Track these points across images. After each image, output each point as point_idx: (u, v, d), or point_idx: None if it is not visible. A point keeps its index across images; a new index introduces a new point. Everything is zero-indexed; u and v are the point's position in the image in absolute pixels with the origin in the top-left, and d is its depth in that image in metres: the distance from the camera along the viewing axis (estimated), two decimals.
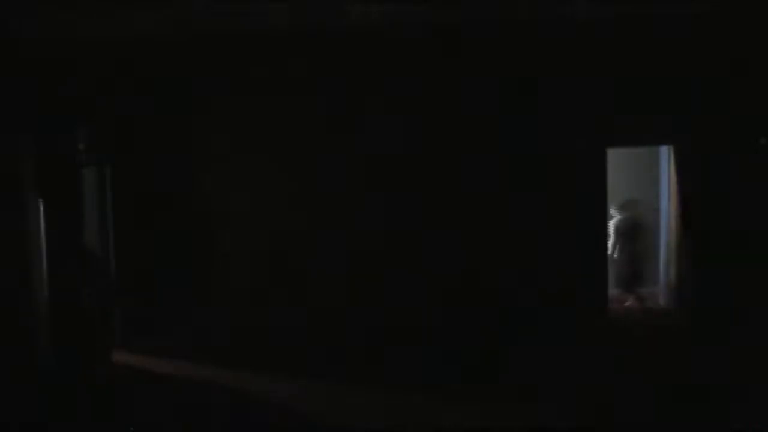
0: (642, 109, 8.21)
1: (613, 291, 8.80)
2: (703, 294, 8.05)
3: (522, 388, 6.80)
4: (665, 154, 9.05)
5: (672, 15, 7.62)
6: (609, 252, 8.94)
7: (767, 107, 7.79)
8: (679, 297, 8.70)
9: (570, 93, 8.17)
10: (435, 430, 5.99)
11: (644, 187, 9.79)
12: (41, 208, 7.64)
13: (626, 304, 9.34)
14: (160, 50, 8.22)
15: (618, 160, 9.66)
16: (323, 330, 8.31)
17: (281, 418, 6.33)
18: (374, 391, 6.90)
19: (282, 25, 7.61)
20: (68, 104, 8.12)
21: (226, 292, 8.47)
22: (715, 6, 7.20)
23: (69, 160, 8.16)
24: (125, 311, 8.50)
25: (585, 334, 8.10)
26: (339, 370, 7.50)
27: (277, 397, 6.81)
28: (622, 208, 9.35)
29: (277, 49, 8.21)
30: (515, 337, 8.09)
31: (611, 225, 9.23)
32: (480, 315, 8.27)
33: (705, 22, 7.74)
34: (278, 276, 8.42)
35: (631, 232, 9.26)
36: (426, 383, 7.03)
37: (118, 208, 8.52)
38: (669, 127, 8.29)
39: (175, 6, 6.70)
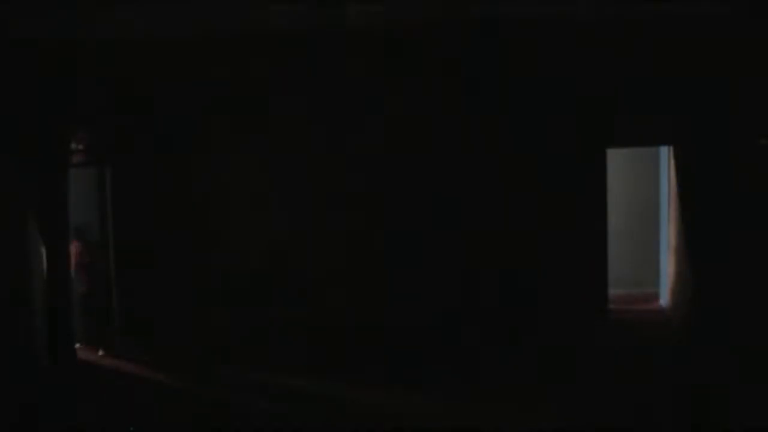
0: (642, 109, 8.21)
1: (613, 291, 8.79)
2: (703, 294, 8.04)
3: (521, 388, 6.80)
4: (665, 154, 9.04)
5: (672, 15, 7.62)
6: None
7: (767, 107, 7.78)
8: (679, 297, 8.70)
9: (570, 93, 8.16)
10: (435, 429, 6.00)
11: (644, 187, 9.79)
12: (39, 209, 7.65)
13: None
14: (161, 51, 8.22)
15: (618, 160, 9.66)
16: (324, 329, 8.31)
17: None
18: (374, 391, 6.91)
19: (282, 25, 7.61)
20: (68, 104, 8.12)
21: (226, 292, 8.46)
22: (716, 7, 7.19)
23: (68, 161, 8.18)
24: (124, 311, 8.50)
25: (585, 334, 8.09)
26: (338, 369, 7.50)
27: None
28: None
29: (276, 49, 8.21)
30: (515, 338, 8.09)
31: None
32: (480, 315, 8.27)
33: (705, 23, 7.73)
34: (278, 276, 8.41)
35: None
36: (426, 384, 7.03)
37: (118, 208, 8.52)
38: (669, 127, 8.29)
39: (176, 6, 6.70)
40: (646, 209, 9.77)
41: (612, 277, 8.64)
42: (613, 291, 8.71)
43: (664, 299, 9.25)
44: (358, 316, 8.30)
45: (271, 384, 7.23)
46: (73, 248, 8.17)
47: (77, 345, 8.19)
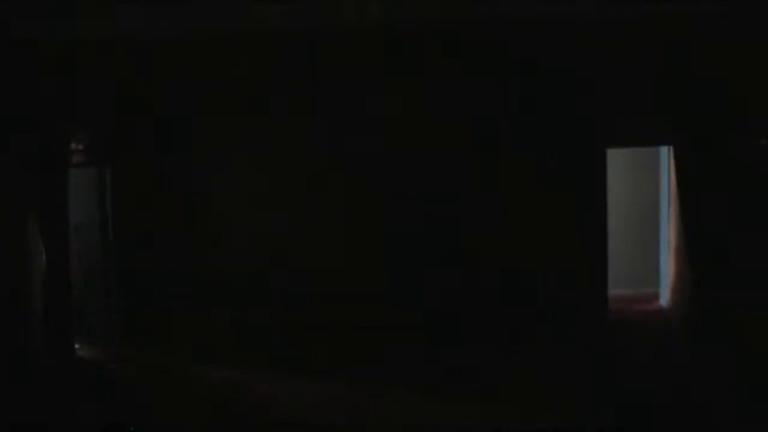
0: (642, 109, 8.21)
1: (613, 291, 8.79)
2: (703, 294, 8.04)
3: (521, 388, 6.80)
4: (665, 154, 9.05)
5: (672, 15, 7.62)
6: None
7: (767, 107, 7.78)
8: (679, 297, 8.70)
9: (570, 93, 8.16)
10: (435, 429, 6.00)
11: (644, 187, 9.79)
12: (39, 209, 7.65)
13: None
14: (160, 51, 8.22)
15: (618, 160, 9.66)
16: (324, 329, 8.31)
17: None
18: (374, 391, 6.91)
19: (282, 25, 7.61)
20: (68, 104, 8.12)
21: (226, 292, 8.47)
22: (716, 6, 7.19)
23: (68, 161, 8.18)
24: (124, 310, 8.50)
25: (585, 334, 8.09)
26: (338, 369, 7.50)
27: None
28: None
29: (277, 49, 8.21)
30: (515, 338, 8.09)
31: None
32: (480, 315, 8.27)
33: (705, 22, 7.74)
34: (278, 276, 8.41)
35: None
36: (426, 384, 7.03)
37: (118, 208, 8.52)
38: (669, 127, 8.29)
39: (176, 6, 6.69)
40: (646, 209, 9.76)
41: (612, 277, 8.64)
42: (613, 291, 8.71)
43: (664, 299, 9.25)
44: (358, 316, 8.30)
45: (270, 384, 7.22)
46: (73, 248, 8.17)
47: (77, 345, 8.19)
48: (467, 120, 8.25)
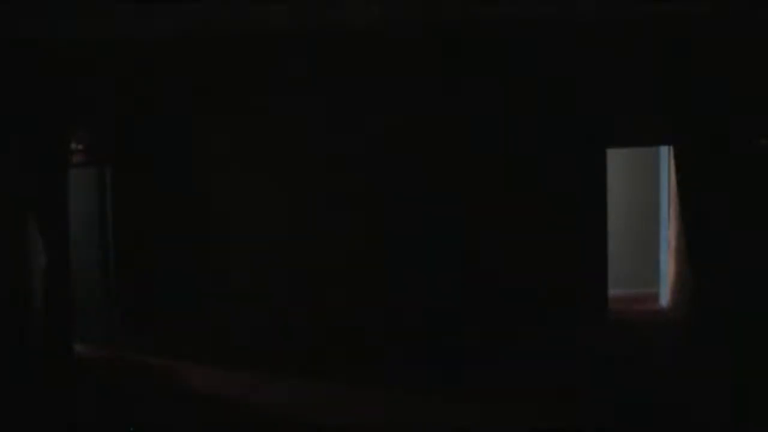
0: (642, 109, 8.21)
1: (613, 291, 8.79)
2: (703, 294, 8.04)
3: (521, 388, 6.80)
4: (665, 154, 9.05)
5: (672, 15, 7.63)
6: None
7: (767, 107, 7.78)
8: (679, 297, 8.70)
9: (570, 93, 8.17)
10: (435, 430, 6.00)
11: (644, 187, 9.79)
12: (39, 209, 7.66)
13: None
14: (161, 51, 8.23)
15: (618, 160, 9.67)
16: (324, 329, 8.32)
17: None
18: (374, 391, 6.90)
19: (282, 25, 7.62)
20: (68, 104, 8.13)
21: (226, 292, 8.47)
22: (716, 6, 7.20)
23: (68, 161, 8.19)
24: (123, 311, 8.50)
25: (585, 334, 8.10)
26: (338, 370, 7.51)
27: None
28: None
29: (277, 49, 8.21)
30: (515, 338, 8.09)
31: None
32: (479, 315, 8.27)
33: (705, 22, 7.74)
34: (278, 276, 8.42)
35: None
36: (426, 384, 7.03)
37: (118, 208, 8.52)
38: (669, 127, 8.29)
39: (176, 6, 6.70)
40: (646, 209, 9.77)
41: (612, 277, 8.64)
42: (613, 291, 8.71)
43: (664, 299, 9.25)
44: (358, 316, 8.31)
45: (270, 384, 7.23)
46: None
47: (77, 345, 8.20)
48: (467, 120, 8.25)
